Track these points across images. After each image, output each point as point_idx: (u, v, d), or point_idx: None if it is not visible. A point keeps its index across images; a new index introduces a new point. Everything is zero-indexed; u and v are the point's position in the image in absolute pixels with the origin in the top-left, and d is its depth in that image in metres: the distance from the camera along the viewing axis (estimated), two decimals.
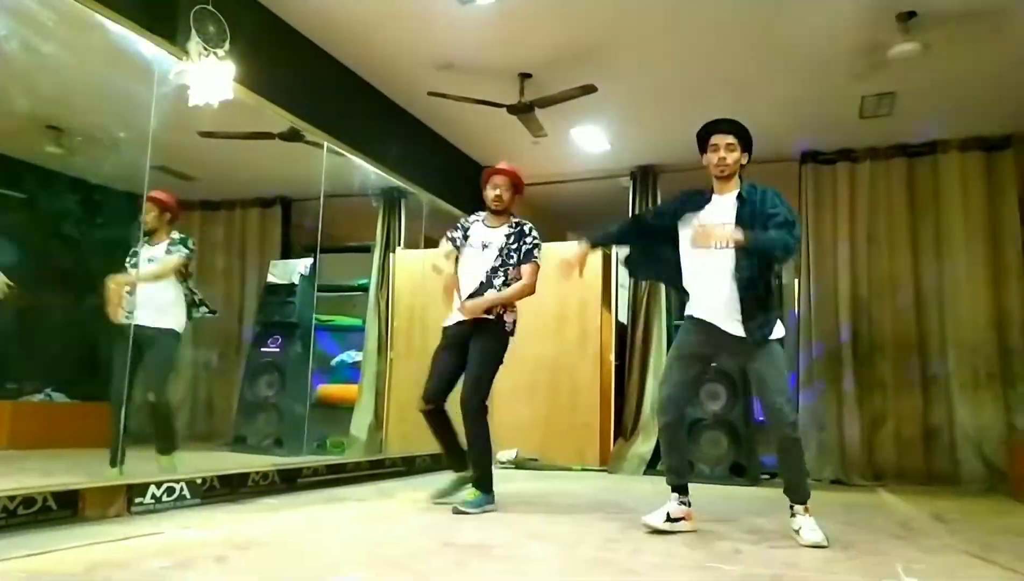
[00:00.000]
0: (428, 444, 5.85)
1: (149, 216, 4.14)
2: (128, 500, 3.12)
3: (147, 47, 3.30)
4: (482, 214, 3.80)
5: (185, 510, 3.30)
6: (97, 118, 4.63)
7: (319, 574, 2.11)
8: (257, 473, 3.98)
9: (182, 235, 4.25)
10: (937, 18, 4.08)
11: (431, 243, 7.05)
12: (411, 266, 6.35)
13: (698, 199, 3.18)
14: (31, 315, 5.23)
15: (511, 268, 3.62)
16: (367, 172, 5.31)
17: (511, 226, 3.72)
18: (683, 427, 3.22)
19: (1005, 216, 5.65)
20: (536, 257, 3.67)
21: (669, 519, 3.06)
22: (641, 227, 3.44)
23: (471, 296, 3.59)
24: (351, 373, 6.81)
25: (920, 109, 5.35)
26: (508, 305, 3.64)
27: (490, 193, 3.70)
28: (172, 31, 3.38)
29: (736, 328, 2.99)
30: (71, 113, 4.82)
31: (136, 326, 3.82)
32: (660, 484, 5.09)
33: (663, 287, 6.29)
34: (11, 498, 2.68)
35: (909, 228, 5.91)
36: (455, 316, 3.66)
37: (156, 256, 4.15)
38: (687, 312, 3.18)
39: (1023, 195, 5.61)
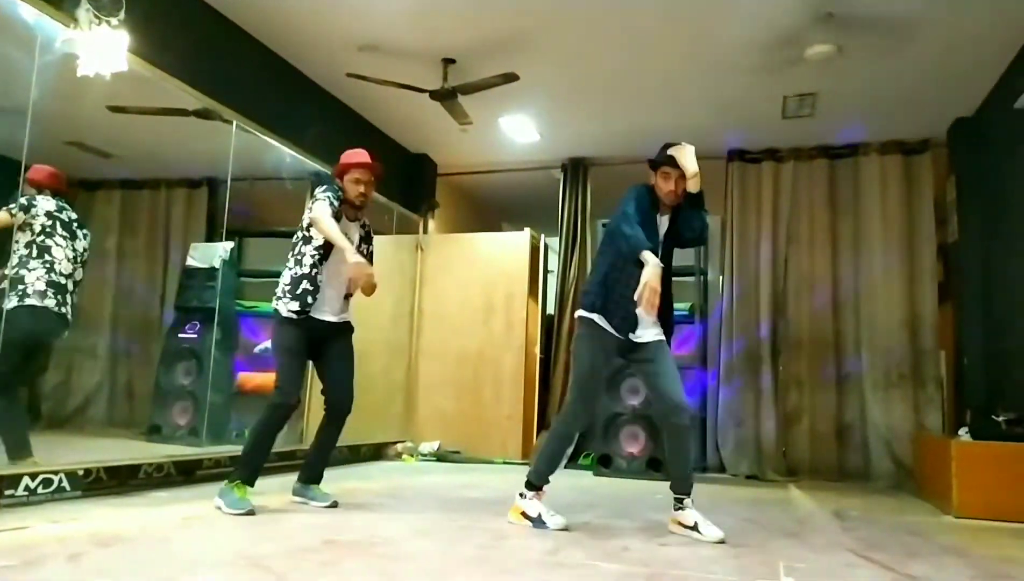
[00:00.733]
0: (349, 436, 5.78)
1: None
2: None
3: (28, 11, 3.10)
4: (335, 203, 3.33)
5: (63, 503, 3.14)
6: None
7: (173, 574, 2.00)
8: (150, 465, 3.83)
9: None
10: (854, 22, 4.13)
11: None
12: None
13: (649, 201, 3.17)
14: None
15: None
16: (285, 155, 5.14)
17: (362, 226, 3.57)
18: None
19: (922, 219, 5.77)
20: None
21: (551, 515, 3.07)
22: None
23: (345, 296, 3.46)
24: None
25: (841, 111, 5.42)
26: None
27: (353, 189, 3.39)
28: None
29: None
30: None
31: None
32: (578, 478, 5.13)
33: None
34: None
35: (829, 228, 6.00)
36: (324, 315, 3.36)
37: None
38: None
39: (939, 199, 5.74)
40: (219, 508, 3.09)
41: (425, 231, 6.82)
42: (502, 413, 6.20)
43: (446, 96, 4.83)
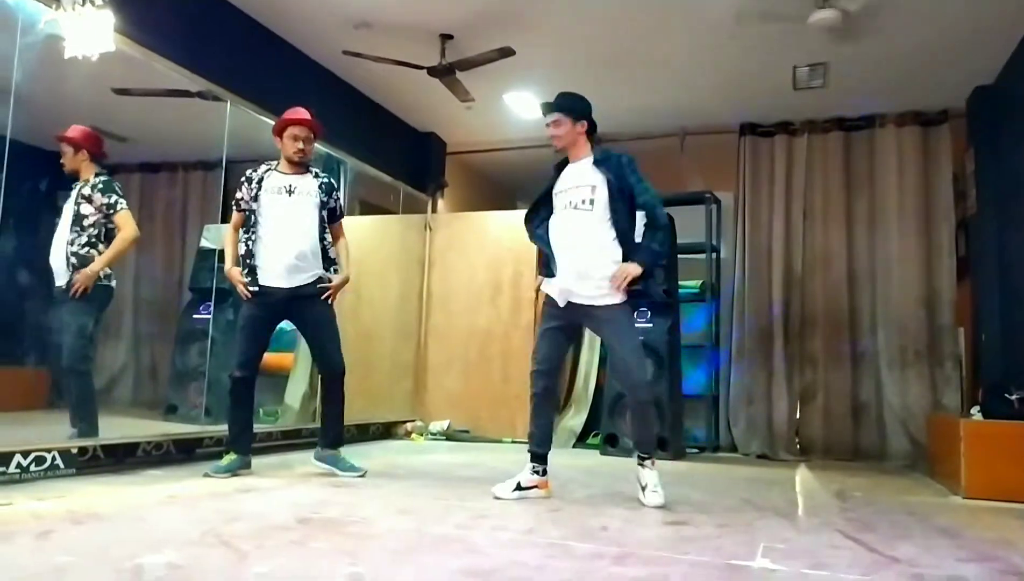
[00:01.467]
0: (356, 415, 5.81)
1: (64, 159, 3.90)
2: None
3: None
4: (272, 164, 3.56)
5: (56, 480, 3.18)
6: None
7: (135, 552, 2.01)
8: (149, 443, 3.87)
9: (105, 177, 3.85)
10: None
11: (368, 208, 6.93)
12: (347, 234, 6.22)
13: (557, 170, 3.34)
14: None
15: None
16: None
17: (316, 176, 3.60)
18: (551, 396, 3.32)
19: (939, 193, 5.60)
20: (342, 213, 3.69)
21: (519, 487, 3.15)
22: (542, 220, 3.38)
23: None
24: (289, 341, 6.70)
25: (855, 81, 5.26)
26: None
27: (291, 146, 3.48)
28: None
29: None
30: None
31: None
32: (585, 457, 5.09)
33: None
34: None
35: (844, 203, 5.86)
36: (278, 278, 3.45)
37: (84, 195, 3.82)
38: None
39: (958, 172, 5.55)
40: (207, 474, 3.36)
41: (434, 210, 6.78)
42: (510, 392, 6.17)
43: (444, 72, 4.77)
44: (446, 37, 4.76)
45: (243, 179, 3.51)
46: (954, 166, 5.57)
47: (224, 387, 5.67)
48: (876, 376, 5.64)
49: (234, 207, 3.49)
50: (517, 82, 5.50)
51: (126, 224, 3.75)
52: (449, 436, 6.06)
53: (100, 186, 3.76)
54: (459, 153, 7.08)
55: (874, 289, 5.72)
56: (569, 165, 3.30)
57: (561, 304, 3.19)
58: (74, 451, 3.35)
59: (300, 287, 3.47)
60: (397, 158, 6.34)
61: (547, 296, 3.27)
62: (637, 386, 3.13)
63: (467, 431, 6.15)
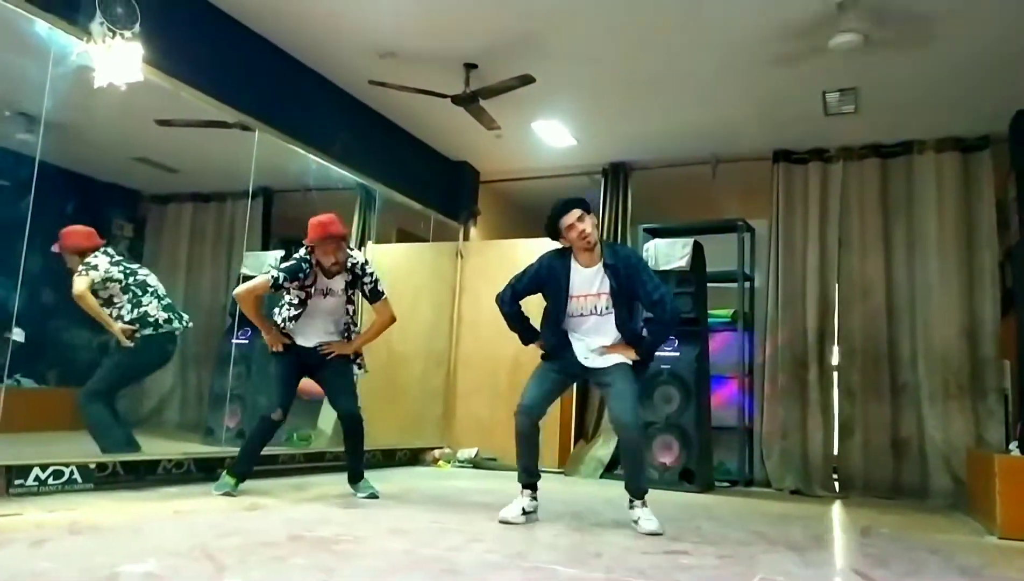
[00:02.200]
0: (384, 441, 5.84)
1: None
2: (8, 481, 3.09)
3: (43, 26, 3.27)
4: (311, 259, 3.67)
5: (73, 495, 3.26)
6: None
7: (117, 562, 2.04)
8: (170, 461, 3.95)
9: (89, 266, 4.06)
10: (878, 10, 3.90)
11: (403, 236, 7.03)
12: (380, 261, 6.31)
13: (560, 264, 3.34)
14: None
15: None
16: (311, 162, 5.23)
17: (349, 271, 3.78)
18: (537, 432, 3.40)
19: (981, 219, 5.40)
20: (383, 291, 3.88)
21: (524, 512, 3.27)
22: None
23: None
24: None
25: (889, 107, 5.15)
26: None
27: (326, 260, 3.64)
28: (73, 11, 3.35)
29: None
30: None
31: None
32: (609, 487, 5.00)
33: None
34: None
35: (881, 231, 5.68)
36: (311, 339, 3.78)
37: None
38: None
39: (1000, 197, 5.36)
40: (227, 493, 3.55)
41: (466, 238, 6.84)
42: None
43: (467, 101, 4.83)
44: (470, 66, 4.83)
45: (300, 274, 3.61)
46: (996, 193, 5.38)
47: (261, 407, 5.84)
48: (917, 410, 5.42)
49: (272, 287, 3.58)
50: (544, 110, 5.53)
51: (74, 287, 3.98)
52: (476, 464, 6.02)
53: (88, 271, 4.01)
54: (492, 182, 7.14)
55: (913, 319, 5.51)
56: (580, 269, 3.32)
57: (580, 359, 3.33)
58: (92, 466, 3.44)
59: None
60: (429, 186, 6.42)
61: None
62: (627, 426, 3.17)
63: (494, 459, 6.10)
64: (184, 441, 5.68)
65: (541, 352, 3.48)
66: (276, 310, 3.79)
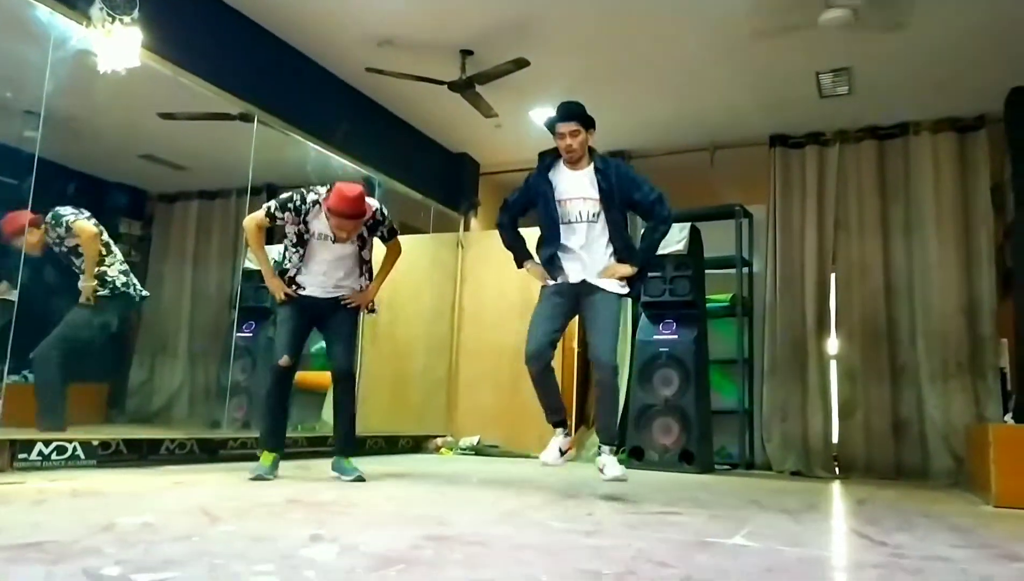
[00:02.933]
0: (387, 428, 5.88)
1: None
2: (12, 455, 3.15)
3: (43, 10, 3.34)
4: (320, 193, 3.48)
5: (76, 471, 3.31)
6: None
7: (116, 515, 2.09)
8: (172, 441, 4.00)
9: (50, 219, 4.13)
10: None
11: (402, 229, 7.07)
12: (380, 253, 6.35)
13: (546, 170, 3.40)
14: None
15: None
16: (321, 154, 5.28)
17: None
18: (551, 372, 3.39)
19: (978, 199, 5.42)
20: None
21: (562, 452, 3.37)
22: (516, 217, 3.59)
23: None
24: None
25: (884, 88, 5.17)
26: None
27: (339, 233, 3.48)
28: None
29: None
30: None
31: None
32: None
33: None
34: None
35: (879, 212, 5.71)
36: (314, 292, 3.61)
37: None
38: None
39: (996, 178, 5.37)
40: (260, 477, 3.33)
41: (467, 229, 6.89)
42: (540, 408, 6.14)
43: (464, 87, 4.89)
44: (466, 53, 4.88)
45: (291, 205, 3.45)
46: (993, 173, 5.39)
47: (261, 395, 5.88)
48: (917, 390, 5.43)
49: (266, 217, 3.48)
50: (541, 97, 5.58)
51: (82, 230, 4.07)
52: (479, 451, 6.07)
53: (51, 227, 4.08)
54: (492, 173, 7.19)
55: (912, 300, 5.53)
56: (568, 172, 3.35)
57: (572, 279, 3.28)
58: (95, 443, 3.49)
59: (331, 298, 3.62)
60: (429, 177, 6.47)
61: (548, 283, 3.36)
62: (602, 365, 3.20)
63: (496, 446, 6.15)
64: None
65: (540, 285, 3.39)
66: (284, 256, 3.60)
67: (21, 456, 3.17)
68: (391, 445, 5.82)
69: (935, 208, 5.51)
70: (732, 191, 6.58)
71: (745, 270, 6.11)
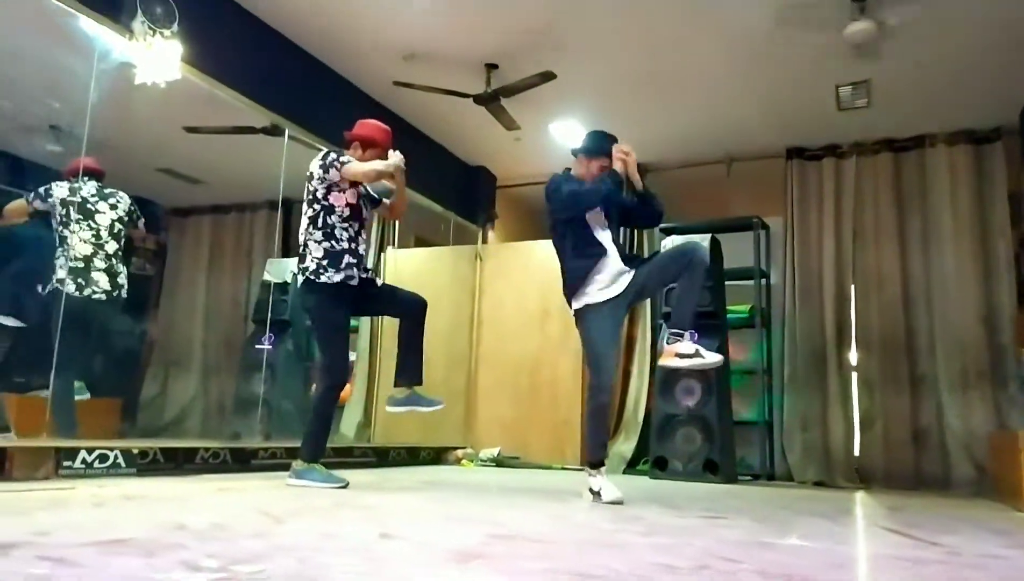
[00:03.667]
0: (407, 439, 5.90)
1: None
2: (57, 463, 3.18)
3: (88, 23, 3.40)
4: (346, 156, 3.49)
5: (118, 478, 3.34)
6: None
7: (180, 516, 2.13)
8: (207, 450, 4.03)
9: None
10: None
11: (421, 242, 7.14)
12: (401, 266, 6.41)
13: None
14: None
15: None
16: None
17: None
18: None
19: (995, 210, 5.47)
20: None
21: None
22: None
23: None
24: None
25: (900, 99, 5.24)
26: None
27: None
28: (116, 10, 3.48)
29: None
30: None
31: None
32: (635, 482, 5.05)
33: None
34: None
35: (896, 224, 5.76)
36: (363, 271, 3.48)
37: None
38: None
39: (1013, 188, 5.43)
40: (306, 486, 3.22)
41: (484, 241, 6.94)
42: (559, 418, 6.19)
43: (489, 100, 4.96)
44: (491, 66, 4.96)
45: (329, 161, 3.39)
46: (1009, 184, 5.45)
47: (287, 415, 5.90)
48: (937, 399, 5.46)
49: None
50: (561, 110, 5.65)
51: None
52: (499, 463, 6.08)
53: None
54: (508, 187, 7.25)
55: (931, 309, 5.57)
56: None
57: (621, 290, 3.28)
58: (135, 451, 3.52)
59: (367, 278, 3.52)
60: (449, 190, 6.54)
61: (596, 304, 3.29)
62: (699, 250, 3.19)
63: (517, 457, 6.16)
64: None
65: (576, 307, 3.32)
66: (315, 243, 3.34)
67: (66, 464, 3.20)
68: (413, 456, 5.84)
69: (952, 219, 5.57)
70: (747, 203, 6.63)
71: (763, 281, 6.15)
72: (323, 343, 3.51)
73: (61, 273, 3.89)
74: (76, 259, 3.95)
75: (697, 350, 3.13)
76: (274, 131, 4.96)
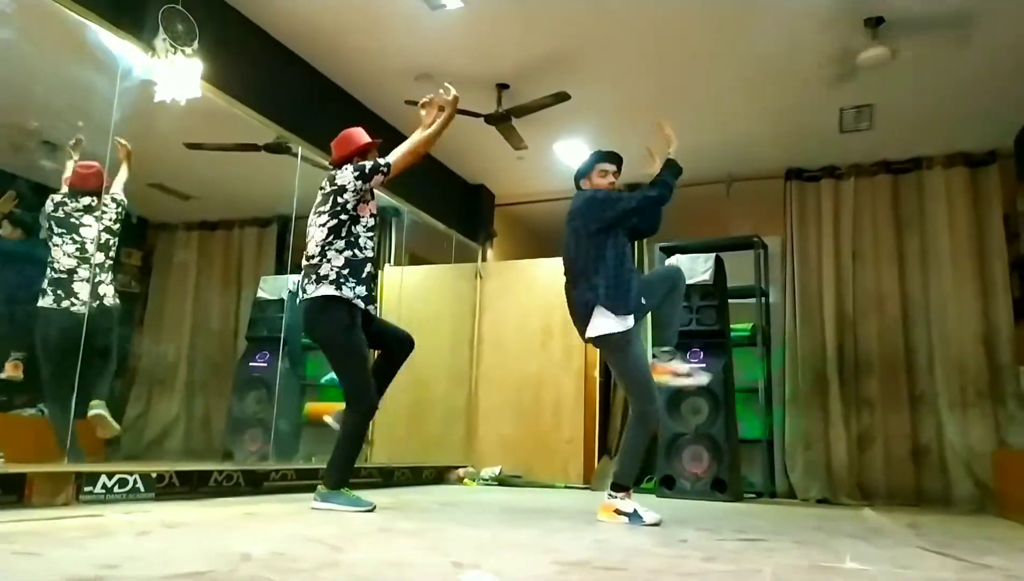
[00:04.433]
0: (410, 459, 5.84)
1: None
2: (77, 488, 3.10)
3: (112, 40, 3.36)
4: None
5: (138, 503, 3.26)
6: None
7: (234, 545, 2.08)
8: (220, 473, 3.95)
9: None
10: (906, 25, 4.10)
11: (416, 260, 7.11)
12: (397, 283, 6.37)
13: None
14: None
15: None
16: None
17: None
18: None
19: (991, 231, 5.60)
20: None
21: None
22: None
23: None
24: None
25: (900, 123, 5.35)
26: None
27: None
28: (139, 27, 3.44)
29: None
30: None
31: None
32: (644, 500, 5.04)
33: None
34: None
35: (894, 244, 5.87)
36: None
37: None
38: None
39: (1007, 210, 5.56)
40: (332, 510, 3.15)
41: (484, 259, 6.93)
42: (562, 437, 6.18)
43: (500, 120, 4.97)
44: (502, 87, 4.97)
45: (370, 169, 3.39)
46: (1004, 206, 5.58)
47: (284, 434, 5.80)
48: (936, 417, 5.55)
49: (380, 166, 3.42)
50: (569, 129, 5.68)
51: None
52: (501, 481, 6.04)
53: None
54: (507, 205, 7.26)
55: (929, 328, 5.67)
56: None
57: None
58: (152, 475, 3.44)
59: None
60: (450, 208, 6.53)
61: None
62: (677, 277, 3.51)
63: (519, 476, 6.13)
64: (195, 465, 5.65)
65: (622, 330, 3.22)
66: (336, 252, 3.25)
67: (87, 489, 3.12)
68: (416, 476, 5.78)
69: (949, 239, 5.68)
70: (745, 222, 6.71)
71: (763, 300, 6.22)
72: (345, 367, 3.33)
73: (44, 285, 3.86)
74: (60, 272, 3.87)
75: (690, 370, 3.27)
76: (276, 149, 4.92)
